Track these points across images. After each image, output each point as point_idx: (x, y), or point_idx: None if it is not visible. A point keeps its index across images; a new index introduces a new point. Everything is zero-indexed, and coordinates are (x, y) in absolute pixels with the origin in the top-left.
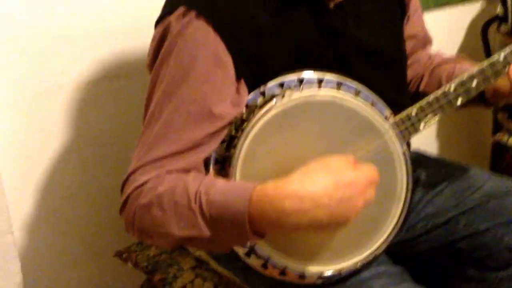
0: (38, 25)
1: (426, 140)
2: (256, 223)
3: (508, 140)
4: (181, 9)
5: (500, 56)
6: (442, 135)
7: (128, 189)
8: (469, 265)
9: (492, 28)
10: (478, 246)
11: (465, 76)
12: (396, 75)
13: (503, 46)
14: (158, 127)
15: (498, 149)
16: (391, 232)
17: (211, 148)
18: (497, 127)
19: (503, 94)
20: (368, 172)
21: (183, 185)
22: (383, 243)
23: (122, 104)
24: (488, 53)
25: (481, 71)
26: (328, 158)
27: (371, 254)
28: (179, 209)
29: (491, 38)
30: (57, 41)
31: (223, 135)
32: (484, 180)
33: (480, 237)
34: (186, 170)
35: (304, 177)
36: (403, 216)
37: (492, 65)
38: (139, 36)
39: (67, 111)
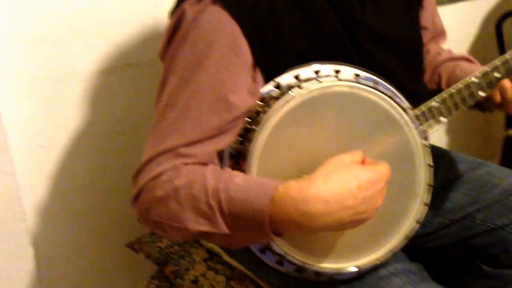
0: (51, 13)
1: (435, 134)
2: (277, 223)
3: None
4: None
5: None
6: (453, 130)
7: (142, 180)
8: (484, 262)
9: (507, 23)
10: (494, 242)
11: (488, 67)
12: (413, 64)
13: None
14: (173, 115)
15: (510, 144)
16: (410, 228)
17: (228, 140)
18: (509, 122)
19: (494, 103)
20: (384, 170)
21: (201, 179)
22: (402, 239)
23: (134, 93)
24: (502, 48)
25: (505, 62)
26: (343, 156)
27: (389, 251)
28: (196, 204)
29: (505, 33)
30: (70, 30)
31: (239, 126)
32: (503, 176)
33: (497, 233)
34: (203, 163)
35: (328, 178)
36: (423, 213)
37: (508, 61)
38: (151, 24)
39: (80, 100)
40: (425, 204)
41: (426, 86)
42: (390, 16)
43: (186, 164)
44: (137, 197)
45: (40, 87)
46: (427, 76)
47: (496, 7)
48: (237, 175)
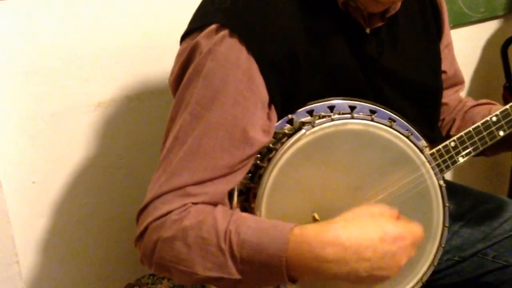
0: (44, 45)
1: None
2: (291, 269)
3: None
4: (213, 26)
5: None
6: None
7: (147, 219)
8: None
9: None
10: (507, 279)
11: (508, 106)
12: (429, 110)
13: None
14: (183, 152)
15: None
16: (426, 272)
17: (238, 178)
18: None
19: None
20: (416, 230)
21: (211, 220)
22: (417, 283)
23: (132, 127)
24: (508, 72)
25: None
26: (373, 206)
27: None
28: (206, 247)
29: (511, 57)
30: (64, 62)
31: (250, 164)
32: None
33: (509, 270)
34: (212, 203)
35: (349, 224)
36: (438, 255)
37: None
38: (149, 54)
39: (74, 135)
40: (441, 246)
41: (441, 132)
42: (408, 58)
43: (195, 203)
44: (141, 236)
45: (33, 122)
46: (457, 124)
47: (501, 31)
48: (249, 217)
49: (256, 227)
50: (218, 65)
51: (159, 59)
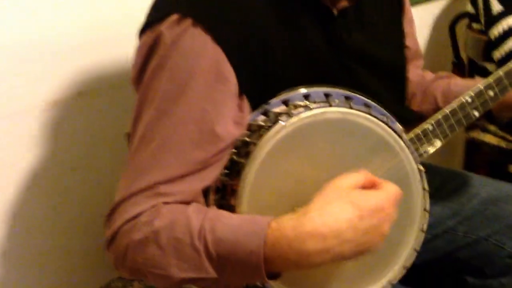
0: None
1: None
2: (271, 264)
3: (483, 138)
4: (174, 16)
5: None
6: None
7: (117, 222)
8: (469, 274)
9: (460, 25)
10: (477, 254)
11: (481, 86)
12: (398, 87)
13: (477, 43)
14: (151, 149)
15: (472, 146)
16: (408, 258)
17: (213, 174)
18: (470, 125)
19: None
20: (392, 190)
21: (184, 220)
22: (401, 270)
23: (89, 124)
24: (456, 49)
25: (499, 80)
26: (340, 181)
27: (388, 282)
28: (180, 248)
29: (460, 35)
30: (9, 62)
31: (225, 159)
32: (480, 186)
33: (481, 245)
34: (186, 202)
35: (324, 210)
36: (420, 239)
37: (508, 73)
38: (104, 48)
39: (29, 137)
40: (422, 231)
41: (411, 110)
42: (376, 35)
43: (166, 203)
44: (111, 240)
45: None
46: (418, 99)
47: (448, 10)
48: (224, 214)
49: (232, 224)
50: (183, 57)
51: (112, 52)
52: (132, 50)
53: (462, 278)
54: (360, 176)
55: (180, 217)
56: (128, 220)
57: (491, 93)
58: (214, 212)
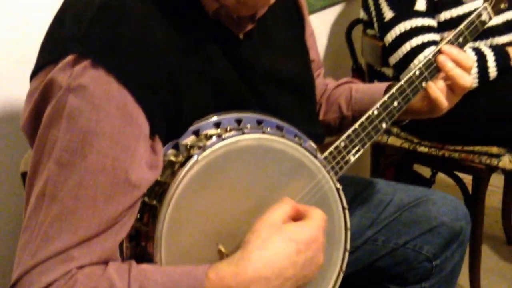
0: None
1: None
2: None
3: (387, 140)
4: (70, 57)
5: (416, 72)
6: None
7: None
8: (391, 282)
9: (356, 31)
10: (398, 261)
11: (386, 97)
12: (309, 104)
13: (373, 48)
14: (57, 209)
15: (377, 149)
16: (336, 279)
17: (129, 225)
18: None
19: (418, 111)
20: (319, 217)
21: (106, 285)
22: None
23: None
24: (354, 55)
25: (401, 91)
26: (272, 216)
27: None
28: None
29: (357, 41)
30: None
31: (138, 206)
32: (393, 192)
33: (400, 252)
34: (102, 261)
35: (262, 251)
36: (345, 260)
37: (410, 82)
38: None
39: None
40: (346, 250)
41: (323, 126)
42: (282, 56)
43: (81, 267)
44: None
45: None
46: (323, 108)
47: (344, 16)
48: (151, 270)
49: (164, 281)
50: (84, 102)
51: None
52: None
53: (385, 287)
54: (286, 206)
55: (100, 282)
56: None
57: (395, 103)
58: (139, 269)
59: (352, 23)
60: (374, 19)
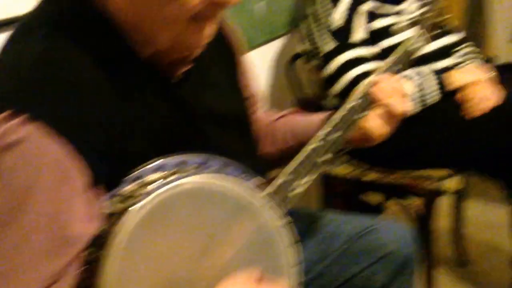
0: None
1: None
2: None
3: (335, 170)
4: (4, 114)
5: (352, 103)
6: None
7: None
8: None
9: (299, 63)
10: None
11: (327, 128)
12: (249, 140)
13: (314, 80)
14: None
15: (326, 180)
16: None
17: (71, 280)
18: None
19: (354, 141)
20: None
21: None
22: None
23: None
24: (297, 88)
25: (340, 121)
26: (237, 283)
27: None
28: None
29: (301, 72)
30: None
31: (82, 257)
32: (341, 224)
33: (354, 282)
34: None
35: None
36: None
37: (348, 113)
38: None
39: None
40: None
41: (266, 160)
42: (220, 94)
43: None
44: None
45: None
46: (266, 141)
47: (286, 49)
48: None
49: None
50: (20, 159)
51: None
52: None
53: None
54: (254, 273)
55: None
56: None
57: (336, 134)
58: None
59: (294, 56)
60: (314, 52)
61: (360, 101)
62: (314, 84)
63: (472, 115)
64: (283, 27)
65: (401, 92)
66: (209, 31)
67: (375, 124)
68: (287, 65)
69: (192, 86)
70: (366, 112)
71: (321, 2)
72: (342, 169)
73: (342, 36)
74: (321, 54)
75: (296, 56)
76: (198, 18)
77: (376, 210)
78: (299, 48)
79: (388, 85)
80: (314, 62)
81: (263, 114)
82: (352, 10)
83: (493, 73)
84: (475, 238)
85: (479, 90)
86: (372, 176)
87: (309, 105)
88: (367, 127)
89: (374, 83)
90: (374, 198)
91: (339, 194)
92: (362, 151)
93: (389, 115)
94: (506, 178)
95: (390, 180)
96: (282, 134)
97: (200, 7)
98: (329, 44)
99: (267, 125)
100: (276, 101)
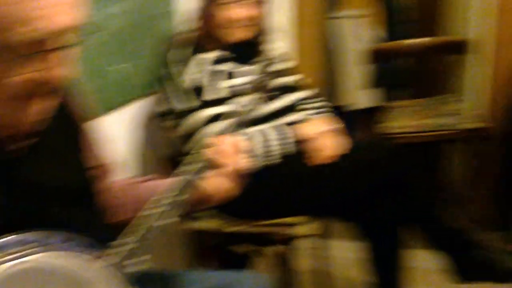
0: None
1: None
2: None
3: (196, 225)
4: None
5: (193, 166)
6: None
7: None
8: None
9: (156, 123)
10: None
11: (170, 193)
12: (94, 211)
13: (170, 139)
14: None
15: (191, 237)
16: None
17: None
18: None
19: (194, 202)
20: None
21: None
22: None
23: None
24: (158, 148)
25: (182, 185)
26: None
27: None
28: None
29: (156, 134)
30: None
31: None
32: (203, 282)
33: None
34: None
35: None
36: None
37: (191, 175)
38: None
39: None
40: None
41: (112, 230)
42: (63, 165)
43: None
44: None
45: None
46: (128, 208)
47: (144, 111)
48: None
49: None
50: None
51: None
52: None
53: None
54: None
55: None
56: None
57: (180, 197)
58: None
59: (153, 116)
60: (170, 111)
61: (198, 163)
62: (170, 143)
63: (313, 163)
64: (142, 89)
65: (238, 150)
66: (40, 107)
67: (213, 184)
68: (147, 126)
69: (35, 161)
70: (204, 173)
71: (174, 63)
72: (209, 223)
73: (193, 96)
74: (174, 114)
75: (155, 116)
76: (19, 97)
77: (245, 260)
78: (158, 109)
79: (225, 145)
80: (171, 122)
81: (121, 181)
82: (206, 70)
83: (338, 125)
84: (342, 276)
85: (321, 141)
86: (234, 228)
87: (170, 164)
88: (206, 188)
89: (212, 145)
90: (241, 249)
91: (211, 248)
92: (225, 205)
93: (228, 173)
94: (358, 221)
95: (252, 230)
96: (134, 201)
97: (18, 88)
98: (181, 104)
99: (125, 192)
100: (138, 163)
